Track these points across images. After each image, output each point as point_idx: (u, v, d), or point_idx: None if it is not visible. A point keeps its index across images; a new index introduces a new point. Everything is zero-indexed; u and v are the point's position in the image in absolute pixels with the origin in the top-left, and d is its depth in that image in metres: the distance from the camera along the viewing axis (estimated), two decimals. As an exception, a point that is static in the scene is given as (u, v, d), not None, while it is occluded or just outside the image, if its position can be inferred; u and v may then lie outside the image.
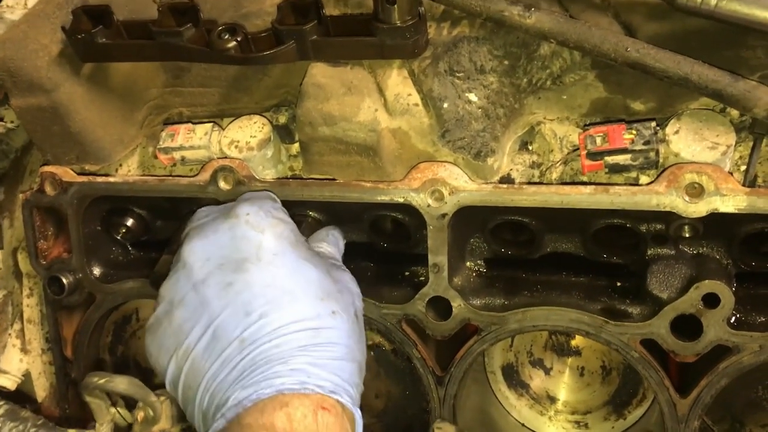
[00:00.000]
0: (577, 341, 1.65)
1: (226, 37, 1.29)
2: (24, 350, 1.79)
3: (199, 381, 1.14)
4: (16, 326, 1.79)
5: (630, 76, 1.24)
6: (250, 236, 1.21)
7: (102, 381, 1.45)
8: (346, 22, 1.30)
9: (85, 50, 1.39)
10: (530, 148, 1.39)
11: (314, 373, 1.11)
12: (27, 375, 1.79)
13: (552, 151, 1.37)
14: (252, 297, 1.14)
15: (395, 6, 1.20)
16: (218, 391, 1.11)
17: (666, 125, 1.25)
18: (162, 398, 1.49)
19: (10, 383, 1.75)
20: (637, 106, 1.30)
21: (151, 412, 1.45)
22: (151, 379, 1.58)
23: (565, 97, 1.34)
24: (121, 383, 1.46)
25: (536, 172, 1.37)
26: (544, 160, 1.37)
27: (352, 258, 1.50)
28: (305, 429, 1.06)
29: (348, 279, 1.31)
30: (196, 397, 1.14)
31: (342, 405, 1.12)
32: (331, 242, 1.41)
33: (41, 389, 1.78)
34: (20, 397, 1.77)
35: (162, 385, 1.51)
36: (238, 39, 1.29)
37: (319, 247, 1.36)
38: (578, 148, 1.29)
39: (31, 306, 1.76)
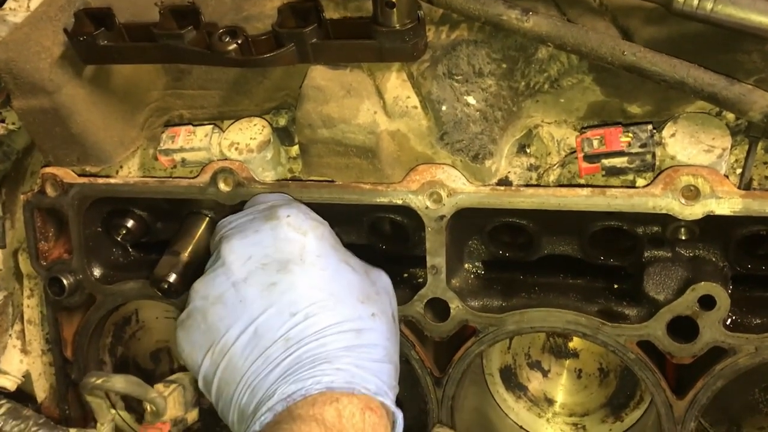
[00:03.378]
0: (575, 343, 1.66)
1: (227, 39, 1.30)
2: (24, 351, 1.79)
3: (238, 378, 1.15)
4: (17, 327, 1.80)
5: (627, 80, 1.25)
6: (293, 237, 1.22)
7: (100, 381, 1.46)
8: (346, 26, 1.31)
9: (87, 52, 1.41)
10: (528, 150, 1.40)
11: (359, 374, 1.13)
12: (27, 376, 1.79)
13: (549, 153, 1.37)
14: (298, 297, 1.16)
15: (394, 9, 1.21)
16: (260, 388, 1.12)
17: (662, 128, 1.26)
18: (172, 387, 1.50)
19: (10, 384, 1.76)
20: (634, 109, 1.31)
21: (155, 407, 1.45)
22: (151, 378, 1.59)
23: (562, 100, 1.35)
24: (119, 382, 1.46)
25: (534, 175, 1.38)
26: (541, 162, 1.38)
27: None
28: (353, 426, 1.07)
29: (385, 280, 1.34)
30: (233, 394, 1.15)
31: (385, 407, 1.14)
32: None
33: (41, 390, 1.79)
34: (20, 397, 1.77)
35: (166, 375, 1.53)
36: (239, 42, 1.30)
37: None
38: (575, 151, 1.30)
39: (31, 307, 1.77)
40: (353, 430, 1.07)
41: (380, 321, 1.21)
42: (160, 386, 1.49)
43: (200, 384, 1.23)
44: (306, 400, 1.08)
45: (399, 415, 1.17)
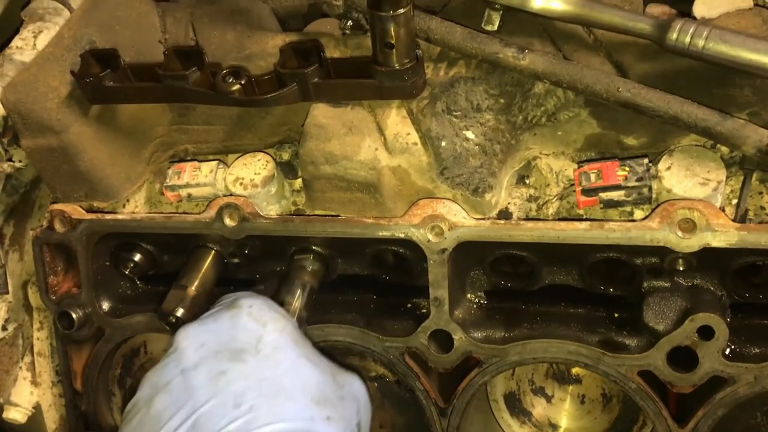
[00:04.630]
0: (578, 369, 1.67)
1: (231, 80, 1.33)
2: (34, 383, 1.81)
3: None
4: (27, 359, 1.82)
5: (622, 114, 1.28)
6: (250, 327, 1.18)
7: None
8: (346, 65, 1.34)
9: (94, 93, 1.44)
10: (527, 182, 1.42)
11: None
12: (37, 407, 1.81)
13: (548, 185, 1.40)
14: (245, 388, 1.08)
15: (393, 50, 1.24)
16: None
17: (658, 161, 1.28)
18: None
19: (20, 416, 1.78)
20: (630, 141, 1.34)
21: None
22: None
23: (559, 133, 1.37)
24: None
25: (533, 206, 1.41)
26: (540, 193, 1.41)
27: (354, 290, 1.54)
28: None
29: (356, 387, 1.27)
30: None
31: None
32: None
33: (51, 421, 1.81)
34: (31, 429, 1.80)
35: None
36: (242, 82, 1.33)
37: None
38: (574, 184, 1.32)
39: (41, 339, 1.80)
40: None
41: (335, 428, 1.12)
42: None
43: None
44: None
45: None
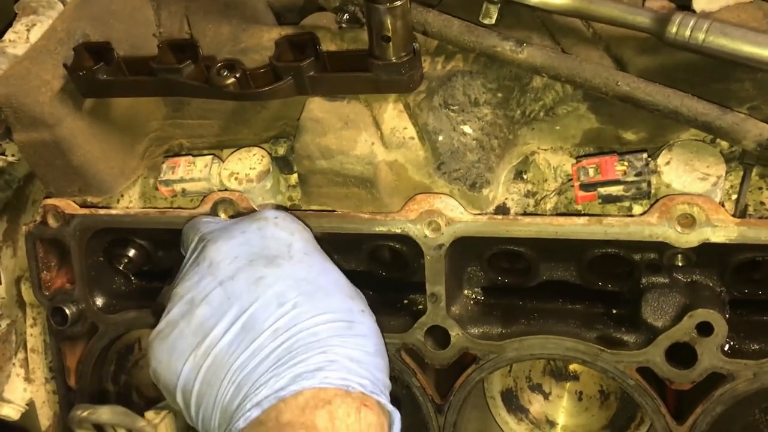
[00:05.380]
0: (575, 366, 1.66)
1: (225, 73, 1.32)
2: (28, 379, 1.80)
3: (222, 375, 1.07)
4: (20, 355, 1.80)
5: (621, 108, 1.26)
6: (280, 236, 1.23)
7: (86, 413, 1.44)
8: (343, 58, 1.32)
9: (87, 86, 1.42)
10: (525, 177, 1.41)
11: (353, 369, 1.08)
12: (31, 404, 1.80)
13: (546, 180, 1.39)
14: (286, 289, 1.13)
15: (390, 43, 1.23)
16: (247, 381, 1.05)
17: (657, 156, 1.27)
18: (162, 414, 1.46)
19: (14, 412, 1.76)
20: (629, 136, 1.32)
21: None
22: (149, 407, 1.59)
23: (558, 127, 1.36)
24: (105, 413, 1.44)
25: (531, 201, 1.39)
26: (538, 189, 1.39)
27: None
28: (348, 428, 1.02)
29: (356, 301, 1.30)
30: (216, 394, 1.07)
31: (381, 405, 1.09)
32: None
33: (45, 418, 1.79)
34: (24, 426, 1.79)
35: (155, 402, 1.48)
36: (237, 75, 1.31)
37: None
38: (572, 179, 1.31)
39: (34, 335, 1.78)
40: (348, 431, 1.01)
41: (370, 317, 1.20)
42: (150, 413, 1.46)
43: (178, 397, 1.13)
44: (296, 402, 1.01)
45: (396, 416, 1.12)
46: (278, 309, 1.11)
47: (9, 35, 1.67)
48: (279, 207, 1.43)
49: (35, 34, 1.64)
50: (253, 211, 1.43)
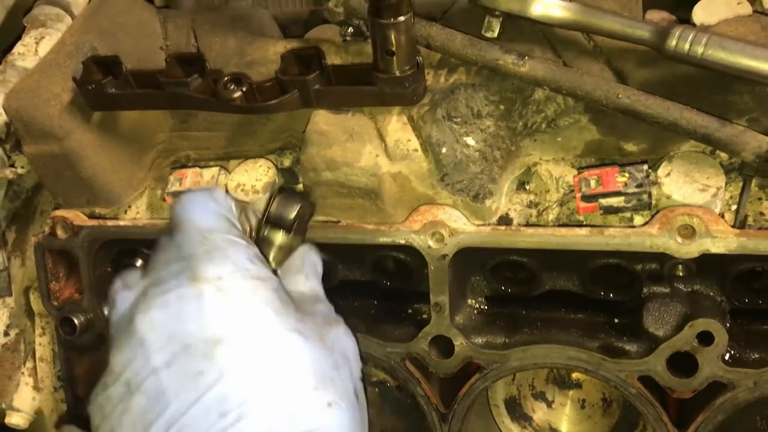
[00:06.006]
0: (578, 374, 1.68)
1: (232, 87, 1.34)
2: (36, 388, 1.82)
3: None
4: (29, 364, 1.82)
5: (622, 120, 1.28)
6: (223, 309, 0.97)
7: None
8: (347, 72, 1.34)
9: (96, 100, 1.44)
10: (527, 187, 1.43)
11: None
12: (39, 413, 1.82)
13: (548, 191, 1.40)
14: (228, 392, 0.92)
15: (394, 57, 1.25)
16: None
17: (658, 167, 1.29)
18: None
19: (23, 421, 1.78)
20: (630, 147, 1.34)
21: None
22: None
23: (559, 139, 1.38)
24: None
25: (534, 212, 1.41)
26: (541, 199, 1.41)
27: (356, 296, 1.54)
28: None
29: (342, 335, 1.10)
30: None
31: None
32: (310, 272, 1.19)
33: (53, 427, 1.81)
34: (33, 434, 1.81)
35: None
36: (244, 89, 1.33)
37: (298, 286, 1.15)
38: (574, 190, 1.33)
39: (43, 345, 1.80)
40: None
41: (339, 410, 0.96)
42: None
43: None
44: None
45: None
46: (219, 420, 0.91)
47: (18, 48, 1.69)
48: (227, 236, 1.09)
49: (44, 47, 1.66)
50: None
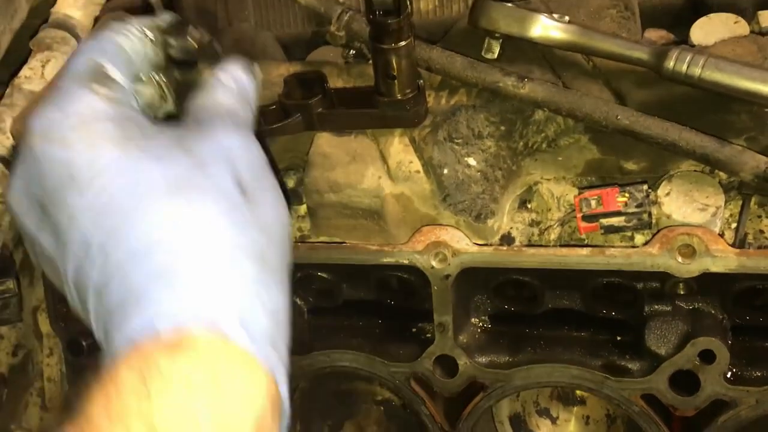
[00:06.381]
0: (582, 391, 1.68)
1: (236, 111, 1.35)
2: (44, 408, 1.83)
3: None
4: (37, 384, 1.84)
5: (622, 140, 1.29)
6: (54, 158, 0.82)
7: None
8: (350, 95, 1.36)
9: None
10: (529, 206, 1.44)
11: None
12: (47, 432, 1.84)
13: (550, 209, 1.42)
14: (86, 230, 0.79)
15: (396, 81, 1.26)
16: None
17: (657, 187, 1.30)
18: None
19: (31, 441, 1.80)
20: (630, 166, 1.35)
21: None
22: None
23: (560, 158, 1.39)
24: None
25: (535, 231, 1.42)
26: (542, 218, 1.42)
27: (360, 315, 1.55)
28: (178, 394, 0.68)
29: (219, 133, 0.90)
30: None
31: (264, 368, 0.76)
32: (215, 86, 0.99)
33: (61, 447, 1.82)
34: (41, 454, 1.82)
35: None
36: (248, 113, 1.35)
37: (195, 100, 0.96)
38: (575, 209, 1.34)
39: (51, 365, 1.82)
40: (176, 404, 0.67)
41: (201, 206, 0.80)
42: None
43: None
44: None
45: (284, 392, 0.76)
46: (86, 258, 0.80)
47: (25, 71, 1.71)
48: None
49: (50, 70, 1.68)
50: None
